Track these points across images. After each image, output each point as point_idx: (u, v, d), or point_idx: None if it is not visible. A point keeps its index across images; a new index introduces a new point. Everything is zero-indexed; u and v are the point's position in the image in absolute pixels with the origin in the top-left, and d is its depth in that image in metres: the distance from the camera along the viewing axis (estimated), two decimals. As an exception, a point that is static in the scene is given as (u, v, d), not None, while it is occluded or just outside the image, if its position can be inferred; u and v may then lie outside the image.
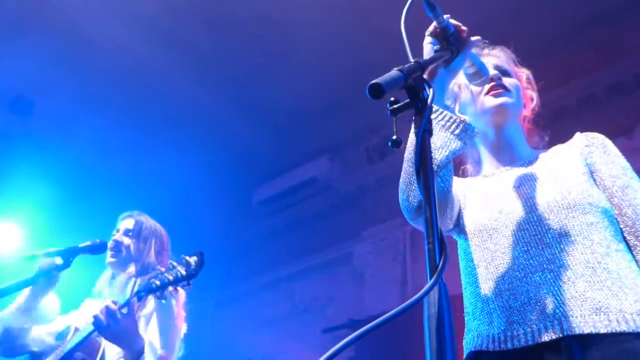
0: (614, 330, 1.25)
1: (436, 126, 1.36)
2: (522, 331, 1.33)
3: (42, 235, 5.17)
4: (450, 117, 1.37)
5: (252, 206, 5.99)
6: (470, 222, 1.54)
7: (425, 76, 1.12)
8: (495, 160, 1.68)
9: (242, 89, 5.02)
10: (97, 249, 2.52)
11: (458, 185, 1.65)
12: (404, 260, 5.03)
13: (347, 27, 4.43)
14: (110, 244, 2.65)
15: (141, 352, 2.19)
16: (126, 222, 2.74)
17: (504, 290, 1.39)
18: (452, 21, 1.41)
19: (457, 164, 1.78)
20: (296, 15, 4.36)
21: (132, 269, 2.64)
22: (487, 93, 1.61)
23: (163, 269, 2.20)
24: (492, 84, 1.60)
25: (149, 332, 2.40)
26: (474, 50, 1.64)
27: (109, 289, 2.63)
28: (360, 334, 0.79)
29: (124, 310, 2.18)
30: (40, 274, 2.32)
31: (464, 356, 1.45)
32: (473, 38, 1.44)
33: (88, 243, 2.48)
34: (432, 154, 1.03)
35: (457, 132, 1.36)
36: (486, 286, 1.44)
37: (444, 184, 1.45)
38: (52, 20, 4.31)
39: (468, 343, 1.46)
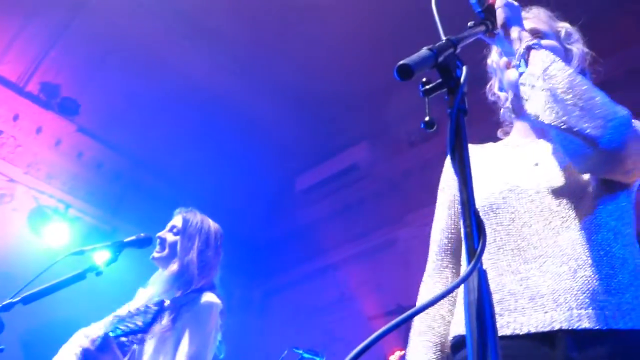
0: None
1: None
2: (512, 319, 1.24)
3: (93, 233, 5.34)
4: None
5: (295, 195, 6.01)
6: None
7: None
8: (525, 129, 1.54)
9: (278, 78, 5.02)
10: (143, 242, 2.57)
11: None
12: (450, 243, 4.95)
13: (382, 10, 4.37)
14: (157, 240, 2.67)
15: None
16: (175, 219, 2.73)
17: (503, 274, 1.30)
18: None
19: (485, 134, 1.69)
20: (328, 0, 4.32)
21: (174, 267, 2.64)
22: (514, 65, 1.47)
23: (134, 314, 2.17)
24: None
25: (181, 347, 2.36)
26: None
27: (155, 286, 2.66)
28: (396, 323, 0.77)
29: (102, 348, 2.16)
30: (89, 269, 2.37)
31: (451, 340, 1.37)
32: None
33: (133, 237, 2.52)
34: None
35: None
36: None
37: None
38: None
39: (456, 325, 1.36)
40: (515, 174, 1.41)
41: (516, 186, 1.37)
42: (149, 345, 2.41)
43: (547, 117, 1.25)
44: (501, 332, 1.24)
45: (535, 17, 1.59)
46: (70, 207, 5.33)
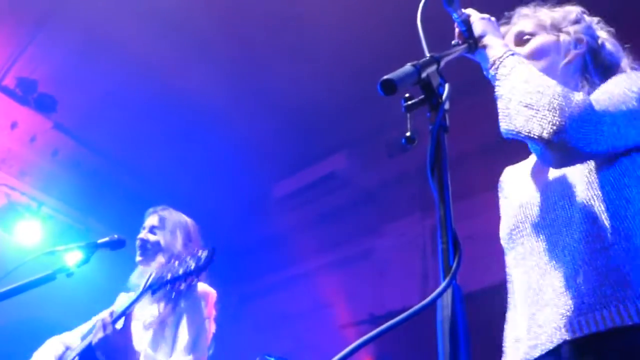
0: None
1: None
2: (527, 345, 1.29)
3: (66, 232, 5.25)
4: None
5: (272, 202, 5.99)
6: (502, 223, 1.48)
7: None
8: None
9: (261, 85, 5.00)
10: (116, 244, 2.53)
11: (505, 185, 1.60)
12: (425, 255, 4.99)
13: (364, 21, 4.39)
14: (137, 242, 2.67)
15: None
16: (151, 219, 2.76)
17: (524, 297, 1.34)
18: (469, 11, 1.38)
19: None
20: (311, 9, 4.32)
21: (161, 258, 2.66)
22: None
23: (177, 262, 2.20)
24: None
25: (179, 336, 2.42)
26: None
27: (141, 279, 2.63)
28: (369, 338, 0.77)
29: (119, 325, 2.19)
30: (59, 270, 2.33)
31: None
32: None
33: (107, 239, 2.49)
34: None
35: None
36: (514, 292, 1.42)
37: None
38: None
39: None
40: (531, 190, 1.42)
41: (530, 203, 1.39)
42: (148, 334, 2.41)
43: (504, 124, 1.26)
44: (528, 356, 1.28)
45: (519, 21, 1.56)
46: (43, 205, 5.23)
